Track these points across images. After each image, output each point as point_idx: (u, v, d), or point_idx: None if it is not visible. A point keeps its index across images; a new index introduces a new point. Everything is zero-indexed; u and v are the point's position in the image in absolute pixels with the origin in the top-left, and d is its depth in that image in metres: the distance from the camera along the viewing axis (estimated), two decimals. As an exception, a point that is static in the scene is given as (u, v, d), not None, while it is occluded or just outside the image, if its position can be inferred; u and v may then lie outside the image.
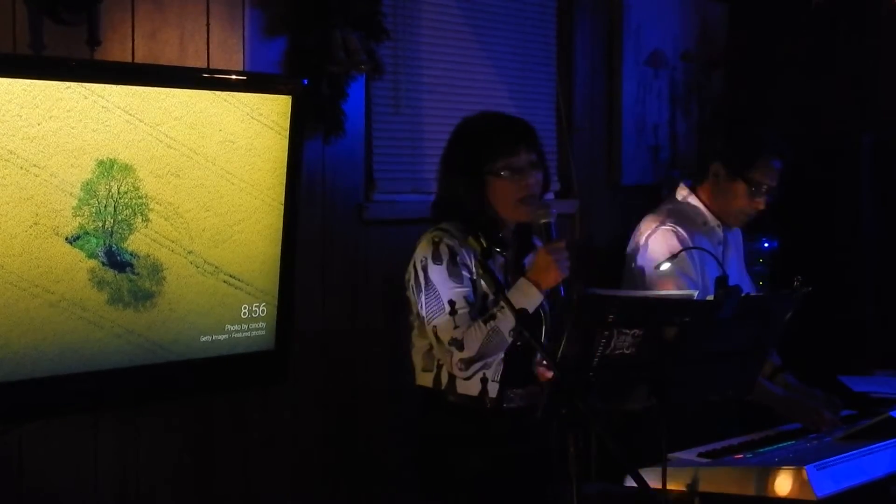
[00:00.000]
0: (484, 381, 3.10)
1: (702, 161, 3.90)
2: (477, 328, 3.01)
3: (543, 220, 3.04)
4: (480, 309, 3.06)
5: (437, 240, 3.08)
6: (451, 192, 3.16)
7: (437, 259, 3.06)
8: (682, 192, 3.83)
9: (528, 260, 3.19)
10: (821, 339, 4.70)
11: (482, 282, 3.06)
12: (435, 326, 3.06)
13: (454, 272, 3.05)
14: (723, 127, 3.83)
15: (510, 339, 3.00)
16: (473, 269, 3.07)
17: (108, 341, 3.07)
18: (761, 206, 3.77)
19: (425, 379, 3.16)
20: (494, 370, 3.10)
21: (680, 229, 3.70)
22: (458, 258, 3.06)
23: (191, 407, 3.51)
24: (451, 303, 3.03)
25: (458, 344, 3.02)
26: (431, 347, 3.16)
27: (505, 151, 3.10)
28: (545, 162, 3.20)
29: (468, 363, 3.05)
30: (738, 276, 3.86)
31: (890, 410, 3.34)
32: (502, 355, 3.08)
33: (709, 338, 2.82)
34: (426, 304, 3.07)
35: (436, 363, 3.14)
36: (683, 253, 3.60)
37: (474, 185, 3.10)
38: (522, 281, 3.03)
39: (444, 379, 3.12)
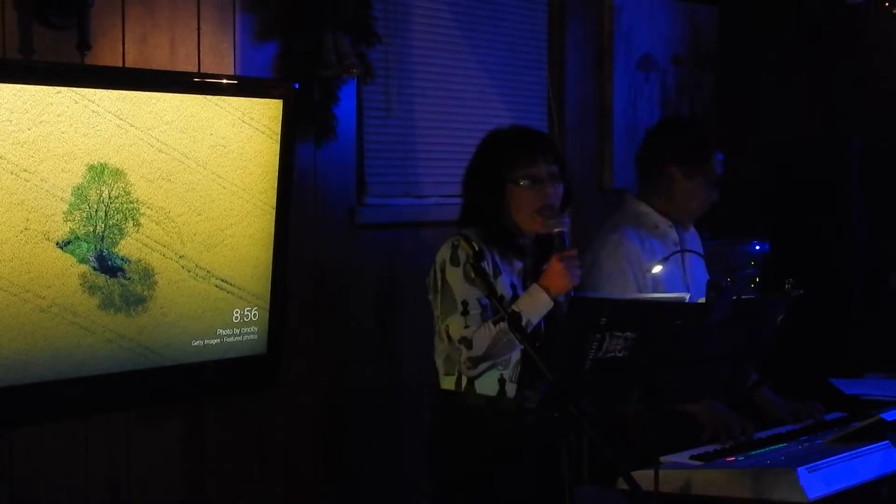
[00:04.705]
0: (502, 381, 3.17)
1: (648, 166, 3.86)
2: (486, 328, 3.09)
3: (557, 230, 3.13)
4: (496, 310, 3.13)
5: (456, 243, 3.16)
6: (472, 198, 3.26)
7: (454, 261, 3.14)
8: (631, 202, 3.82)
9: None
10: (812, 342, 4.71)
11: (500, 283, 3.14)
12: (447, 325, 3.15)
13: (469, 274, 3.11)
14: (665, 132, 3.83)
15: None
16: (491, 272, 3.14)
17: (100, 346, 3.07)
18: (716, 197, 3.80)
19: (448, 382, 3.23)
20: (511, 371, 3.17)
21: (629, 241, 3.68)
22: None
23: (183, 412, 3.50)
24: (464, 303, 3.12)
25: (468, 343, 3.10)
26: None
27: (525, 161, 3.17)
28: (567, 175, 3.27)
29: (475, 362, 3.13)
30: (701, 276, 3.86)
31: (881, 413, 3.34)
32: (519, 356, 3.15)
33: (701, 340, 2.82)
34: (441, 303, 3.16)
35: (456, 366, 3.20)
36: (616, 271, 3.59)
37: (494, 192, 3.19)
38: (534, 286, 3.12)
39: (465, 381, 3.20)
